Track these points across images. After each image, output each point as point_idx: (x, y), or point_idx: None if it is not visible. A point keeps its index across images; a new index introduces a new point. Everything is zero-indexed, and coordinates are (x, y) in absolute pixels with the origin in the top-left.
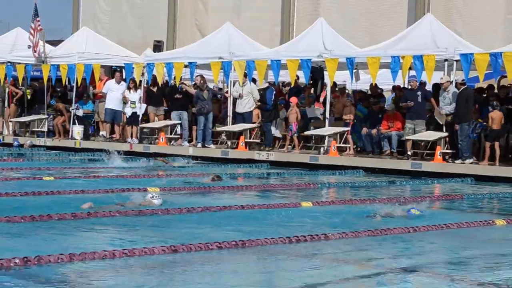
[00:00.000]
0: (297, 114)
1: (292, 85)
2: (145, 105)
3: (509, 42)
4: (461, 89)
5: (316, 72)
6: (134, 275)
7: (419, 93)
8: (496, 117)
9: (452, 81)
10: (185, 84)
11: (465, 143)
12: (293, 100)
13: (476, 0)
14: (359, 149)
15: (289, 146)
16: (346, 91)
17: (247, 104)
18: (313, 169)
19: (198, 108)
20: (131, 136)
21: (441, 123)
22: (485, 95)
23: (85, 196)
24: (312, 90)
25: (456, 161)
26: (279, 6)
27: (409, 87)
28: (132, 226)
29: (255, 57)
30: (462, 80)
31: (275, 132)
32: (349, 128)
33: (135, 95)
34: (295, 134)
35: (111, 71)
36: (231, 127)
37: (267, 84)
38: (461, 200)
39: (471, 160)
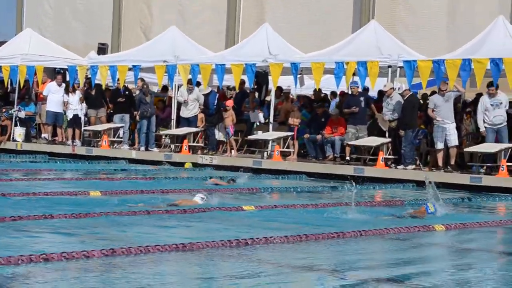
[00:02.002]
0: (232, 117)
1: (237, 89)
2: (86, 106)
3: (452, 50)
4: (407, 96)
5: (261, 77)
6: (73, 278)
7: (361, 98)
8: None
9: (396, 88)
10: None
11: (408, 149)
12: (229, 103)
13: (419, 8)
14: (302, 151)
15: (232, 150)
16: (291, 96)
17: (193, 109)
18: (256, 173)
19: (141, 111)
20: (73, 139)
21: (384, 129)
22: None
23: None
24: (256, 95)
25: (399, 167)
26: (224, 10)
27: (351, 93)
28: (74, 228)
29: (199, 61)
30: (407, 88)
31: (219, 136)
32: (293, 133)
33: (74, 97)
34: (232, 137)
35: (55, 74)
36: (174, 131)
37: (210, 89)
38: (401, 206)
39: (413, 166)
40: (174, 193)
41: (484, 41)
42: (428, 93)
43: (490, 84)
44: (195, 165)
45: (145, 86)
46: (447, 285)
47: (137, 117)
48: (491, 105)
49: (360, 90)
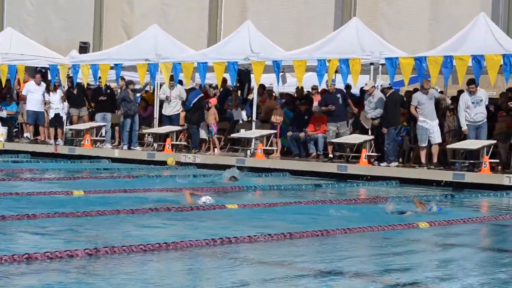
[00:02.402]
0: (215, 115)
1: (219, 87)
2: (68, 105)
3: (434, 47)
4: (389, 93)
5: (243, 75)
6: (56, 278)
7: (339, 95)
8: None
9: (378, 85)
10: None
11: (391, 146)
12: (213, 101)
13: (402, 5)
14: (285, 149)
15: (215, 149)
16: (274, 93)
17: (175, 107)
18: (240, 172)
19: (125, 110)
20: (56, 138)
21: (367, 127)
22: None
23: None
24: (239, 93)
25: (382, 164)
26: (206, 8)
27: (328, 90)
28: (57, 228)
29: (181, 59)
30: (389, 85)
31: (202, 134)
32: (276, 131)
33: (55, 97)
34: (215, 135)
35: (36, 73)
36: (157, 129)
37: (193, 84)
38: (385, 203)
39: (396, 163)
40: (157, 192)
41: (466, 38)
42: (412, 89)
43: (470, 82)
44: (178, 163)
45: (131, 85)
46: (430, 282)
47: (121, 116)
48: (472, 102)
49: (336, 87)
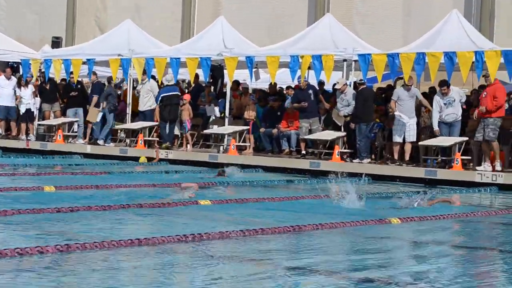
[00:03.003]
0: (189, 111)
1: (192, 83)
2: (39, 100)
3: (407, 43)
4: (360, 89)
5: (216, 71)
6: (27, 274)
7: (310, 91)
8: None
9: (350, 82)
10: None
11: (363, 143)
12: (186, 97)
13: (375, 2)
14: (258, 145)
15: (188, 145)
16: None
17: (147, 102)
18: (212, 168)
19: (110, 105)
20: (27, 133)
21: (339, 124)
22: (384, 95)
23: None
24: (212, 89)
25: (354, 161)
26: (180, 4)
27: (299, 87)
28: (28, 224)
29: (154, 55)
30: (360, 80)
31: (176, 130)
32: (249, 127)
33: (27, 91)
34: (188, 132)
35: (6, 67)
36: (130, 125)
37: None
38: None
39: (368, 160)
40: (131, 187)
41: (438, 35)
42: (385, 86)
43: (442, 83)
44: (150, 159)
45: (112, 81)
46: (402, 277)
47: (102, 112)
48: (444, 104)
49: (307, 83)
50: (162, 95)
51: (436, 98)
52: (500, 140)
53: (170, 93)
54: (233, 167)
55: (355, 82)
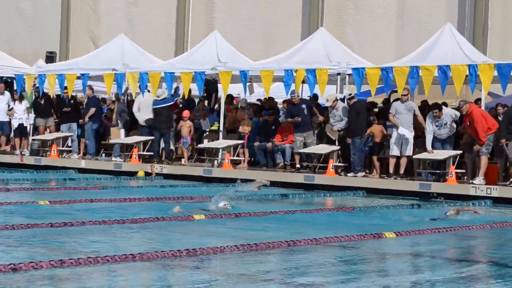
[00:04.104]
0: (190, 128)
1: (186, 97)
2: (33, 116)
3: (400, 57)
4: (351, 103)
5: (210, 85)
6: None
7: (303, 106)
8: (375, 131)
9: (342, 97)
10: None
11: (357, 156)
12: (186, 114)
13: (368, 15)
14: (253, 159)
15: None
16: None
17: (143, 115)
18: (207, 182)
19: (124, 121)
20: (20, 148)
21: (333, 138)
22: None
23: None
24: (206, 103)
25: (348, 174)
26: (173, 18)
27: (292, 102)
28: (22, 239)
29: (148, 69)
30: (350, 94)
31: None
32: (243, 141)
33: (21, 106)
34: (189, 148)
35: (1, 83)
36: (124, 140)
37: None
38: (352, 213)
39: (362, 173)
40: (126, 202)
41: (432, 49)
42: (378, 100)
43: (434, 107)
44: (147, 174)
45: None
46: None
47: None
48: (436, 126)
49: (300, 97)
50: (153, 107)
51: (429, 121)
52: (494, 154)
53: (160, 106)
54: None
55: (346, 99)
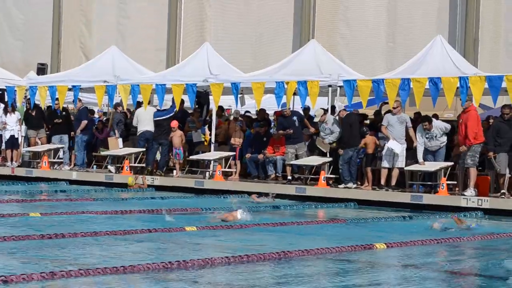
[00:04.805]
0: (182, 137)
1: (177, 109)
2: (25, 127)
3: (391, 69)
4: (345, 115)
5: (202, 97)
6: None
7: (295, 118)
8: (369, 142)
9: (330, 109)
10: None
11: (345, 167)
12: (174, 124)
13: (359, 28)
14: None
15: (180, 171)
16: (232, 115)
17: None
18: (198, 194)
19: (121, 131)
20: (11, 160)
21: (324, 151)
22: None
23: None
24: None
25: (340, 186)
26: (165, 30)
27: (283, 114)
28: (13, 251)
29: (140, 81)
30: (344, 107)
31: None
32: (234, 153)
33: (12, 118)
34: (178, 160)
35: None
36: (115, 151)
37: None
38: (343, 224)
39: (353, 185)
40: (117, 214)
41: (423, 61)
42: (369, 112)
43: (424, 119)
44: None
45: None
46: None
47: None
48: (427, 137)
49: (291, 110)
50: (154, 119)
51: (419, 133)
52: (486, 166)
53: (161, 118)
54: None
55: (333, 106)
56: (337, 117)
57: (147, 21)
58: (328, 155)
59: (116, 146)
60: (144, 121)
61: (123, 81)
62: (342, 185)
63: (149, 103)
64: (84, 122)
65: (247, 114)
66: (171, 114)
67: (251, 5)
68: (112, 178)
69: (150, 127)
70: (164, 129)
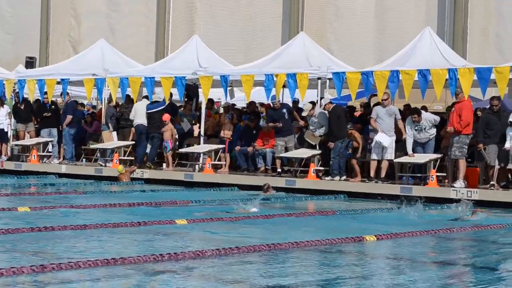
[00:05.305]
0: (172, 131)
1: (167, 102)
2: (14, 121)
3: (380, 61)
4: (331, 108)
5: (191, 90)
6: None
7: (284, 110)
8: (355, 135)
9: (319, 103)
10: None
11: (336, 160)
12: (166, 117)
13: (348, 20)
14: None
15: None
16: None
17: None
18: (188, 187)
19: (114, 125)
20: (0, 154)
21: (313, 143)
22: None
23: None
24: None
25: (327, 178)
26: (154, 23)
27: (273, 107)
28: (2, 245)
29: (129, 74)
30: (329, 100)
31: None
32: (224, 146)
33: (1, 111)
34: (169, 152)
35: None
36: (104, 145)
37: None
38: (333, 216)
39: (343, 177)
40: (106, 207)
41: (412, 53)
42: (357, 103)
43: (413, 111)
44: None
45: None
46: None
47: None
48: (416, 130)
49: (281, 102)
50: (146, 112)
51: (408, 125)
52: (475, 157)
53: (153, 110)
54: None
55: (322, 98)
56: (324, 110)
57: (136, 14)
58: (317, 148)
59: (111, 140)
60: (140, 115)
61: (112, 74)
62: (332, 177)
63: (146, 98)
64: (69, 117)
65: (236, 107)
66: (162, 107)
67: None
68: (102, 171)
69: (143, 121)
70: (155, 122)
